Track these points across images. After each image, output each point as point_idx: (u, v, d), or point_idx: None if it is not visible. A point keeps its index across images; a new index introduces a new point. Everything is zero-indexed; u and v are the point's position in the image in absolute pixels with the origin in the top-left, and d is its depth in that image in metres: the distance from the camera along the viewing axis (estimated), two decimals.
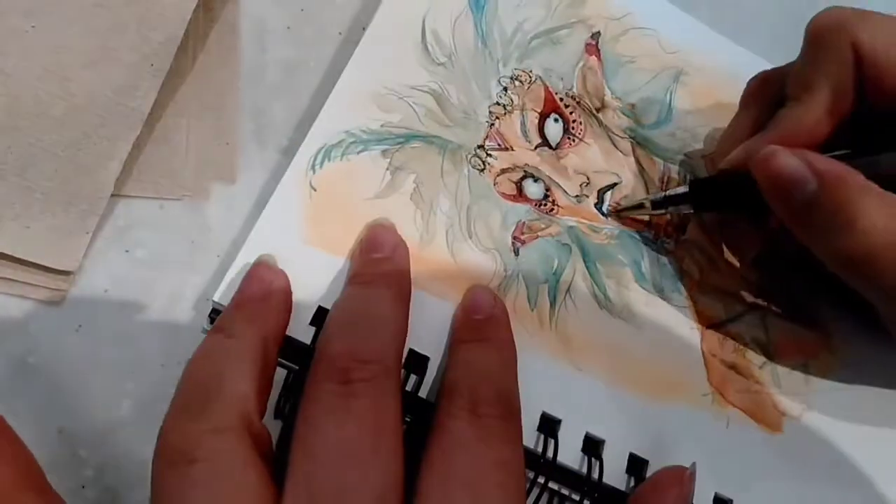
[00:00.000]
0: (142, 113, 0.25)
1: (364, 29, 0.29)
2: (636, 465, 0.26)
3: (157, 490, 0.19)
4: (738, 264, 0.32)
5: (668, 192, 0.30)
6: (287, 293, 0.25)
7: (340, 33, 0.30)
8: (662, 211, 0.30)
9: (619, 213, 0.31)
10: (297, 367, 0.24)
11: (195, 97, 0.27)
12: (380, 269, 0.25)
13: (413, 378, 0.25)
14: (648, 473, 0.26)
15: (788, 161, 0.24)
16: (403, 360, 0.24)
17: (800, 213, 0.25)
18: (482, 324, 0.26)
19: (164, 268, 0.25)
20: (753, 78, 0.31)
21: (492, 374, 0.24)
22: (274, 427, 0.22)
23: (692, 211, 0.30)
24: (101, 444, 0.23)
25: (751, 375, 0.30)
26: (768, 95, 0.29)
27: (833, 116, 0.27)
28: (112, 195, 0.25)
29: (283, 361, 0.24)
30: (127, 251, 0.25)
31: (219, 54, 0.28)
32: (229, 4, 0.28)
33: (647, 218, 0.31)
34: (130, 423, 0.23)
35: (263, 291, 0.24)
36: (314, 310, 0.25)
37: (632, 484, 0.26)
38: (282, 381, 0.24)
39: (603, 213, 0.31)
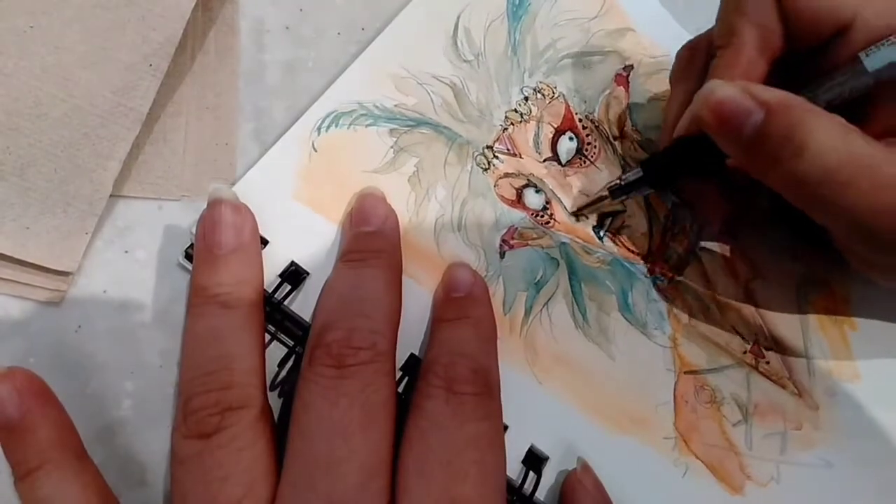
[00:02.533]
0: (140, 113, 0.25)
1: (363, 29, 0.30)
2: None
3: (178, 462, 0.21)
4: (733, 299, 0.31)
5: (624, 178, 0.29)
6: (257, 235, 0.25)
7: (339, 33, 0.30)
8: (624, 197, 0.29)
9: (580, 211, 0.30)
10: (293, 345, 0.25)
11: (194, 97, 0.27)
12: (371, 244, 0.25)
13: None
14: None
15: (729, 92, 0.24)
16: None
17: (749, 145, 0.24)
18: (461, 301, 0.25)
19: (163, 268, 0.25)
20: (681, 49, 0.30)
21: (468, 352, 0.24)
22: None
23: (651, 190, 0.29)
24: (102, 444, 0.23)
25: (722, 431, 0.28)
26: (699, 62, 0.29)
27: (764, 54, 0.26)
28: (111, 196, 0.24)
29: (281, 337, 0.25)
30: (126, 252, 0.25)
31: (217, 54, 0.28)
32: (228, 4, 0.28)
33: (638, 245, 0.31)
34: (130, 423, 0.23)
35: (238, 241, 0.24)
36: (286, 263, 0.25)
37: None
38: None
39: (600, 237, 0.31)
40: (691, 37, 0.35)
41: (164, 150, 0.26)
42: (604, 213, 0.31)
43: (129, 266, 0.25)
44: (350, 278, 0.24)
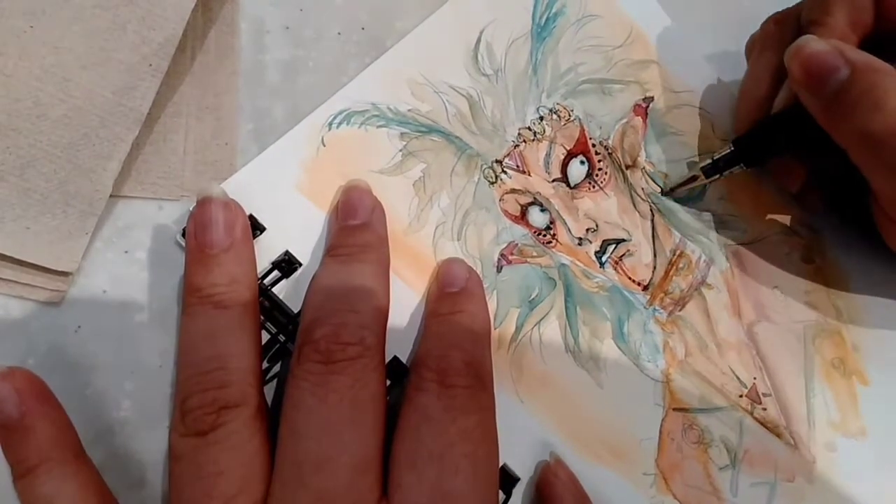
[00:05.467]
0: (140, 113, 0.25)
1: (363, 29, 0.30)
2: None
3: (174, 459, 0.21)
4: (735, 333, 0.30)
5: (715, 157, 0.30)
6: (249, 232, 0.25)
7: (339, 33, 0.29)
8: (717, 177, 0.31)
9: (672, 191, 0.32)
10: (282, 338, 0.25)
11: (194, 97, 0.27)
12: (358, 239, 0.25)
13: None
14: None
15: (822, 47, 0.26)
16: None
17: (831, 98, 0.26)
18: (455, 296, 0.25)
19: (163, 268, 0.25)
20: (765, 22, 0.31)
21: (460, 345, 0.23)
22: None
23: (745, 168, 0.30)
24: (101, 444, 0.23)
25: (707, 474, 0.27)
26: (786, 37, 0.29)
27: (855, 31, 0.28)
28: (111, 196, 0.24)
29: (266, 325, 0.25)
30: (126, 252, 0.25)
31: (217, 55, 0.28)
32: (228, 5, 0.28)
33: (650, 273, 0.30)
34: (130, 423, 0.23)
35: (230, 239, 0.24)
36: (281, 252, 0.26)
37: None
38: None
39: (601, 263, 0.30)
40: (717, 75, 0.35)
41: (164, 150, 0.26)
42: (607, 239, 0.31)
43: (129, 266, 0.25)
44: (338, 273, 0.24)
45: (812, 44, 0.26)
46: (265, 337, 0.25)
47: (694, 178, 0.31)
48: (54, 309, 0.24)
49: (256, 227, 0.26)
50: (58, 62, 0.24)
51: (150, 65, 0.25)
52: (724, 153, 0.30)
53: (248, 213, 0.25)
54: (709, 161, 0.30)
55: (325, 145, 0.28)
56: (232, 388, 0.21)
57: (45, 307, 0.24)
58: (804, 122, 0.28)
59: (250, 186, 0.26)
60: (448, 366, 0.23)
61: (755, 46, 0.32)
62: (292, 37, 0.29)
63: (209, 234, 0.23)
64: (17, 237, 0.23)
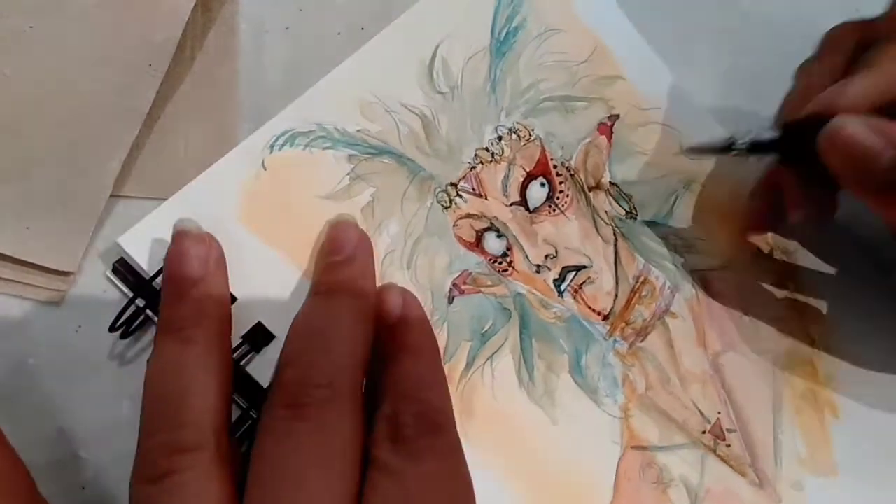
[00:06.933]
0: (140, 113, 0.25)
1: (363, 29, 0.29)
2: None
3: None
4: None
5: (755, 138, 0.27)
6: (223, 265, 0.24)
7: (339, 34, 0.29)
8: (745, 156, 0.28)
9: (694, 151, 0.30)
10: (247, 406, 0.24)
11: (194, 98, 0.27)
12: (340, 275, 0.24)
13: None
14: None
15: (860, 128, 0.23)
16: None
17: (879, 186, 0.23)
18: (395, 331, 0.24)
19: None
20: (836, 27, 0.29)
21: (411, 393, 0.22)
22: None
23: (780, 159, 0.28)
24: (101, 444, 0.23)
25: None
26: (856, 42, 0.28)
27: None
28: (111, 195, 0.25)
29: (236, 399, 0.23)
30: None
31: (217, 55, 0.28)
32: (228, 5, 0.28)
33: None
34: (130, 423, 0.22)
35: (202, 272, 0.23)
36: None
37: None
38: None
39: (560, 292, 0.29)
40: (686, 90, 0.34)
41: (164, 150, 0.26)
42: (567, 266, 0.29)
43: None
44: (315, 311, 0.23)
45: (849, 126, 0.23)
46: (236, 412, 0.23)
47: (719, 149, 0.28)
48: (55, 309, 0.24)
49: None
50: (58, 62, 0.24)
51: (150, 65, 0.25)
52: (764, 135, 0.27)
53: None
54: (749, 140, 0.27)
55: (266, 169, 0.26)
56: (188, 429, 0.20)
57: (46, 307, 0.24)
58: None
59: (183, 212, 0.24)
60: (401, 422, 0.21)
61: (825, 44, 0.29)
62: (292, 37, 0.29)
63: (182, 267, 0.23)
64: (17, 237, 0.23)
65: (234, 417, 0.23)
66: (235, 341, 0.23)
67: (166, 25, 0.25)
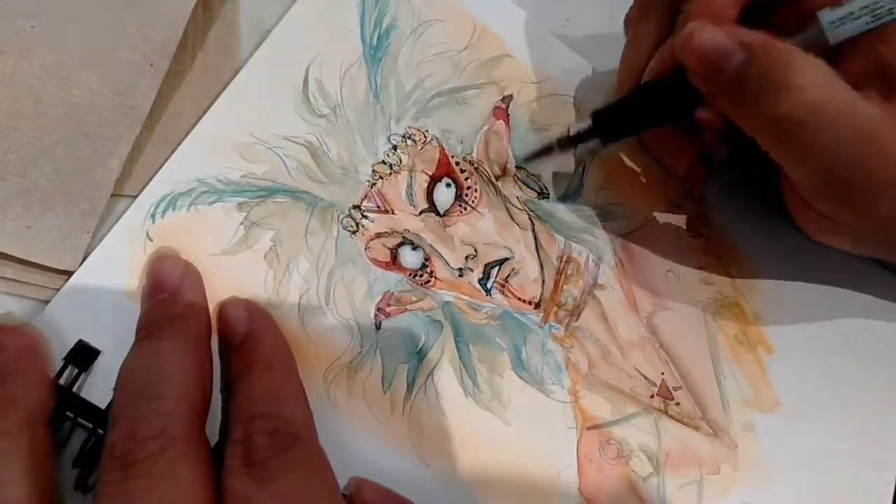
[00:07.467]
0: (141, 112, 0.25)
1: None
2: None
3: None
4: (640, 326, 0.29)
5: (571, 131, 0.29)
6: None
7: None
8: (571, 149, 0.29)
9: (525, 162, 0.30)
10: (91, 427, 0.22)
11: (194, 97, 0.27)
12: (165, 312, 0.23)
13: None
14: None
15: (712, 35, 0.24)
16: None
17: (730, 86, 0.24)
18: (241, 348, 0.23)
19: None
20: None
21: (261, 411, 0.21)
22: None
23: (602, 145, 0.29)
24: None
25: (632, 489, 0.27)
26: (661, 4, 0.28)
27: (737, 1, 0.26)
28: (112, 195, 0.25)
29: (80, 421, 0.22)
30: None
31: (218, 54, 0.28)
32: (228, 4, 0.29)
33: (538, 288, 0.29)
34: None
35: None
36: None
37: None
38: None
39: (487, 290, 0.28)
40: (577, 56, 0.34)
41: (165, 149, 0.26)
42: (489, 262, 0.29)
43: None
44: (139, 359, 0.22)
45: (700, 32, 0.24)
46: (82, 434, 0.22)
47: (547, 150, 0.29)
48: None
49: (90, 354, 0.23)
50: (58, 61, 0.25)
51: (151, 64, 0.25)
52: (581, 126, 0.28)
53: (77, 340, 0.23)
54: (566, 135, 0.28)
55: (152, 240, 0.25)
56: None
57: (46, 307, 0.24)
58: (666, 96, 0.27)
59: (75, 309, 0.23)
60: (252, 444, 0.20)
61: (633, 16, 0.30)
62: None
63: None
64: (18, 236, 0.23)
65: (81, 441, 0.22)
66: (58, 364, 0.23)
67: (167, 24, 0.26)
